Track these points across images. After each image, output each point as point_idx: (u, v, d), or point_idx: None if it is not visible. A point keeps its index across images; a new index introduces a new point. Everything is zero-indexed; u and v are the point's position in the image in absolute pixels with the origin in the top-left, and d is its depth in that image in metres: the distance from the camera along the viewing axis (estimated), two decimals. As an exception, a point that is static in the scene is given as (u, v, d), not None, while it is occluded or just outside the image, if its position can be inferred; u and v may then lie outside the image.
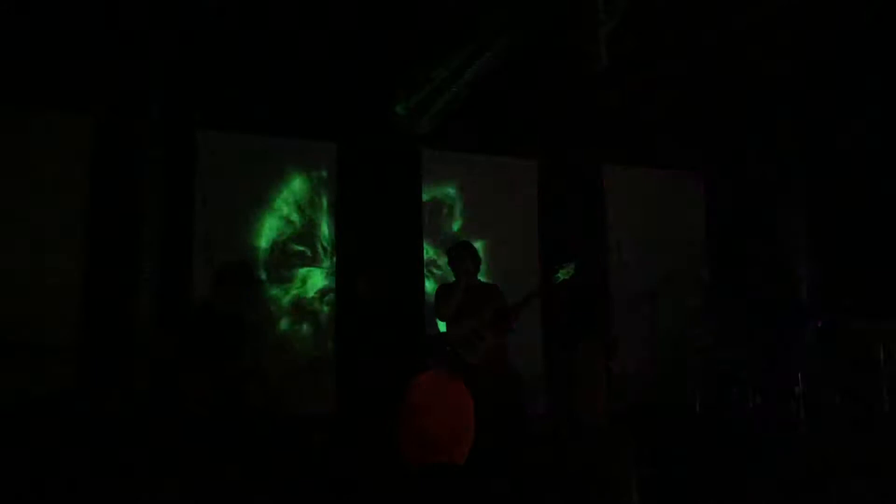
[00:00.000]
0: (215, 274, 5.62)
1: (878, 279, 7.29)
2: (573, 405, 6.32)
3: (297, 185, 6.98)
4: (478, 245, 6.35)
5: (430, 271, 7.24)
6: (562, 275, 5.92)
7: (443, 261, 6.69)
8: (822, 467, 5.65)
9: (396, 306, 6.77)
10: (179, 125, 6.36)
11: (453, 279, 6.05)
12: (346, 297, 6.82)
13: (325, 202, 7.05)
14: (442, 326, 5.97)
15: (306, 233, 6.95)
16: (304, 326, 6.84)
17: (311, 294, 6.89)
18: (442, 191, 7.45)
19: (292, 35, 6.31)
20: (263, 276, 6.73)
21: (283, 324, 6.78)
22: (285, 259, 6.84)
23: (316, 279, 6.92)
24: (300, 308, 6.86)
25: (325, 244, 7.00)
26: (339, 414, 6.54)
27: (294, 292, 6.86)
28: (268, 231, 6.81)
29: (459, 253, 6.05)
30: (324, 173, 7.07)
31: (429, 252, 7.27)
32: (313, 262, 6.93)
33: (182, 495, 4.81)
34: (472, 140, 7.39)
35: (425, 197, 7.34)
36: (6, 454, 4.66)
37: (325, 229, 7.02)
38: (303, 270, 6.88)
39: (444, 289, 6.07)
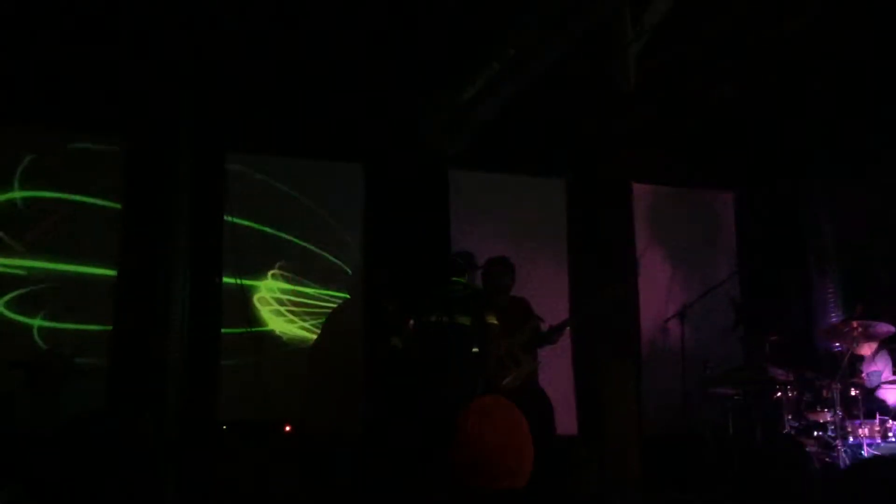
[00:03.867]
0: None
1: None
2: (603, 424, 6.30)
3: (325, 206, 7.01)
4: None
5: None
6: (605, 296, 5.80)
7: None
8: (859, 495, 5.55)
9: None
10: (209, 149, 6.42)
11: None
12: (374, 316, 6.81)
13: (353, 223, 7.07)
14: None
15: (334, 254, 6.98)
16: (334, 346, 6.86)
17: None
18: (469, 210, 7.45)
19: (319, 57, 6.36)
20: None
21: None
22: (314, 279, 6.87)
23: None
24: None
25: (353, 264, 7.02)
26: (366, 435, 6.53)
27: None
28: (298, 252, 6.84)
29: (495, 268, 5.96)
30: (352, 194, 7.10)
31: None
32: (342, 281, 6.94)
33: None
34: (500, 159, 7.39)
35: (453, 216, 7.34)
36: (38, 473, 4.70)
37: (353, 250, 7.04)
38: (332, 289, 6.90)
39: None
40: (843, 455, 5.93)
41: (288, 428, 5.87)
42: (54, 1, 5.57)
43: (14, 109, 6.09)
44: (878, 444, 5.95)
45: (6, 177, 6.12)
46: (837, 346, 6.89)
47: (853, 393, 6.19)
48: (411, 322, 5.57)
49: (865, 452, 5.88)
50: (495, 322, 5.48)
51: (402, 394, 5.72)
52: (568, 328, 6.25)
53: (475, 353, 5.52)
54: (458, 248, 6.72)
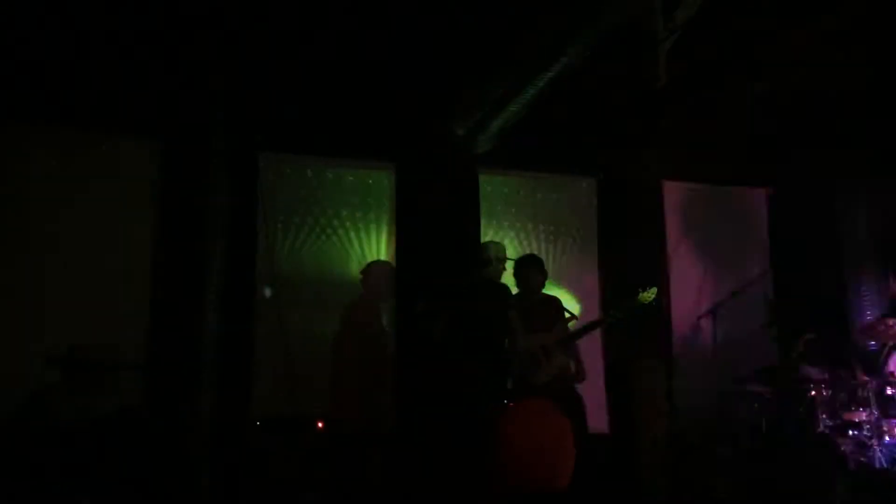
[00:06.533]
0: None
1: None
2: (635, 423, 6.28)
3: (356, 205, 7.05)
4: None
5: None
6: (642, 298, 5.80)
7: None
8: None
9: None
10: (242, 148, 6.47)
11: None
12: (405, 317, 6.83)
13: (383, 222, 7.10)
14: None
15: (366, 253, 7.01)
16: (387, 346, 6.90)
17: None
18: (500, 209, 7.46)
19: (350, 58, 6.40)
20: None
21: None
22: (346, 277, 6.90)
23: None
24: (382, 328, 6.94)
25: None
26: (398, 433, 6.55)
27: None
28: (329, 251, 6.89)
29: (526, 266, 6.03)
30: (382, 193, 7.13)
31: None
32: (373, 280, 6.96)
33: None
34: (530, 158, 7.39)
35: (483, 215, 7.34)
36: (77, 466, 4.77)
37: (384, 249, 7.07)
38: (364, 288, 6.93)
39: None
40: (879, 455, 5.87)
41: (320, 424, 5.90)
42: (86, 3, 5.65)
43: (47, 110, 6.18)
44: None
45: (40, 176, 6.22)
46: (873, 345, 6.80)
47: (889, 392, 6.12)
48: (442, 313, 5.62)
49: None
50: (515, 317, 5.53)
51: (430, 387, 5.75)
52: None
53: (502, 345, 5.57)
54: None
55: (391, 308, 6.91)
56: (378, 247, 7.07)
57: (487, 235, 7.30)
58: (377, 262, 6.92)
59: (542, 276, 6.04)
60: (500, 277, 5.95)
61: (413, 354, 6.48)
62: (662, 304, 7.37)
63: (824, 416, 6.21)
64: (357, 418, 6.47)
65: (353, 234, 7.00)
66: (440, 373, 5.64)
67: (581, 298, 7.23)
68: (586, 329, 5.90)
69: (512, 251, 7.13)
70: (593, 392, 6.02)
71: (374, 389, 6.76)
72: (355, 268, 6.94)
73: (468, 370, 5.41)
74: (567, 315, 5.95)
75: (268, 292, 6.43)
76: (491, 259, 5.87)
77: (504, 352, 5.83)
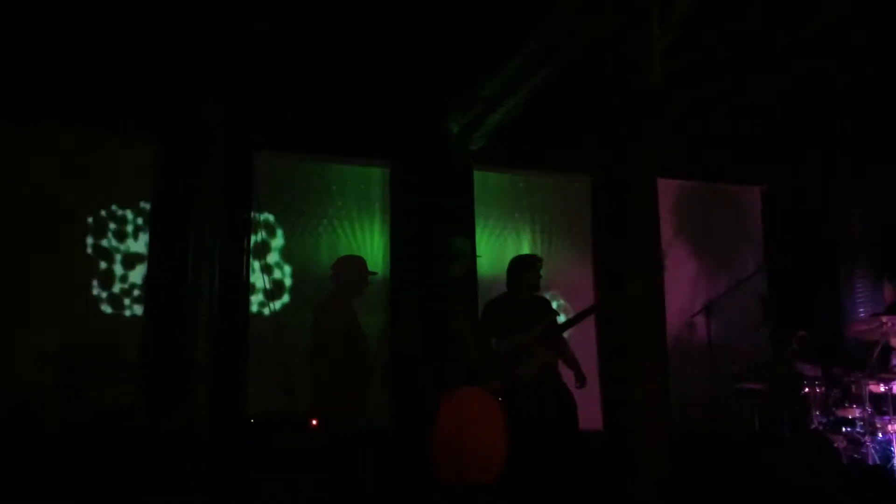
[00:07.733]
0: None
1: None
2: (629, 420, 6.31)
3: (351, 202, 7.06)
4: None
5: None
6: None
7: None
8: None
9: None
10: (239, 148, 6.48)
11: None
12: (399, 313, 6.85)
13: (378, 219, 7.11)
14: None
15: (361, 250, 7.03)
16: (360, 342, 6.90)
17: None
18: (495, 207, 7.48)
19: (347, 56, 6.41)
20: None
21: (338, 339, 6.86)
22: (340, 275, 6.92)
23: (369, 296, 6.99)
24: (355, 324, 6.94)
25: (379, 261, 7.06)
26: (394, 429, 6.57)
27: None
28: (324, 249, 6.90)
29: (524, 265, 6.02)
30: (377, 190, 7.14)
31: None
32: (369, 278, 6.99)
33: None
34: (525, 155, 7.40)
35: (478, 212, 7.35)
36: (73, 465, 4.79)
37: (379, 246, 7.09)
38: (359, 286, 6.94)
39: (489, 307, 6.05)
40: (872, 451, 5.90)
41: (314, 422, 5.92)
42: (85, 2, 5.65)
43: (48, 110, 6.19)
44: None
45: (40, 176, 6.22)
46: (867, 341, 6.85)
47: (882, 389, 6.15)
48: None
49: (895, 449, 5.84)
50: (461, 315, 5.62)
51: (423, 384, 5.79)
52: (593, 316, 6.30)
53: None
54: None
55: (361, 303, 6.92)
56: (373, 244, 7.08)
57: (482, 233, 7.32)
58: (346, 257, 6.92)
59: (536, 276, 6.04)
60: (462, 274, 5.93)
61: (407, 352, 6.51)
62: (654, 300, 7.40)
63: (818, 412, 6.24)
64: (340, 415, 6.47)
65: (348, 232, 7.01)
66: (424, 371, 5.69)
67: (575, 296, 7.26)
68: (566, 324, 5.93)
69: (507, 249, 7.17)
70: (587, 389, 6.03)
71: (352, 384, 6.76)
72: (354, 267, 6.95)
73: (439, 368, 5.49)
74: (554, 314, 5.98)
75: (263, 290, 6.44)
76: (459, 254, 5.87)
77: (487, 350, 5.85)
